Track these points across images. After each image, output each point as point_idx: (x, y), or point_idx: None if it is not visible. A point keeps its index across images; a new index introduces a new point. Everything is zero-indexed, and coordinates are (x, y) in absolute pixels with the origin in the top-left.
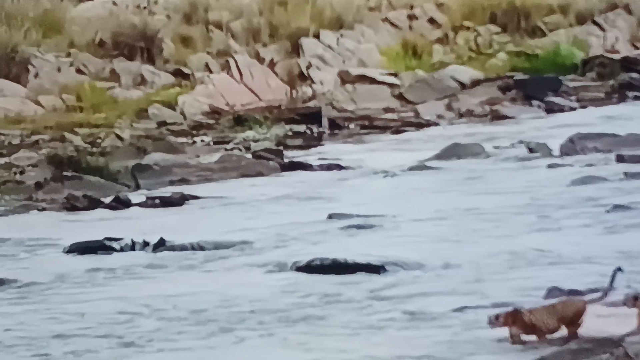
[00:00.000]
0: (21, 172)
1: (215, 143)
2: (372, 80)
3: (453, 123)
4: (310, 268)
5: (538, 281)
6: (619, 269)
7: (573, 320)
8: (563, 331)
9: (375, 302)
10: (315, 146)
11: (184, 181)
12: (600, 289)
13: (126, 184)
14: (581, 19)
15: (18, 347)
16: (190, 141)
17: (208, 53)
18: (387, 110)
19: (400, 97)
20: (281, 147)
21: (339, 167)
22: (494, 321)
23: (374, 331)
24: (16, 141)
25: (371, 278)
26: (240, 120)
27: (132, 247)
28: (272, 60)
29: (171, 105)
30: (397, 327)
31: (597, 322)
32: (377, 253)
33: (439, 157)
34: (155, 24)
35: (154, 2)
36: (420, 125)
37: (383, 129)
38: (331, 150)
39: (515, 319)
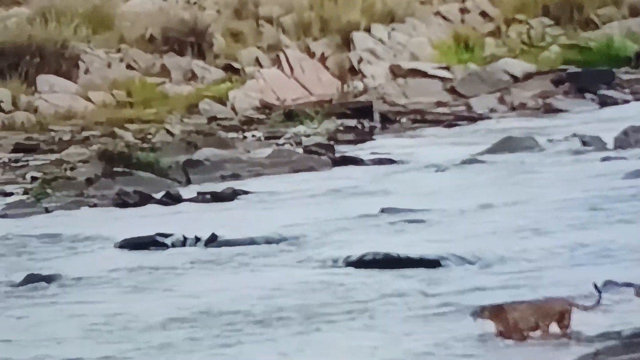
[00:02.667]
0: (72, 168)
1: (266, 138)
2: (424, 74)
3: (505, 116)
4: (362, 263)
5: (592, 275)
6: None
7: (558, 320)
8: (544, 330)
9: (429, 297)
10: (366, 141)
11: (235, 176)
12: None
13: (177, 179)
14: (635, 11)
15: (74, 339)
16: (241, 136)
17: (258, 48)
18: (439, 104)
19: (452, 90)
20: (332, 142)
21: (391, 162)
22: (479, 313)
23: (428, 325)
24: (67, 137)
25: (425, 272)
26: (291, 115)
27: (184, 242)
28: (322, 54)
29: (222, 100)
30: (451, 321)
31: None
32: (430, 247)
33: (491, 150)
34: (206, 19)
35: None
36: (472, 118)
37: (435, 122)
38: (383, 144)
39: (499, 314)
